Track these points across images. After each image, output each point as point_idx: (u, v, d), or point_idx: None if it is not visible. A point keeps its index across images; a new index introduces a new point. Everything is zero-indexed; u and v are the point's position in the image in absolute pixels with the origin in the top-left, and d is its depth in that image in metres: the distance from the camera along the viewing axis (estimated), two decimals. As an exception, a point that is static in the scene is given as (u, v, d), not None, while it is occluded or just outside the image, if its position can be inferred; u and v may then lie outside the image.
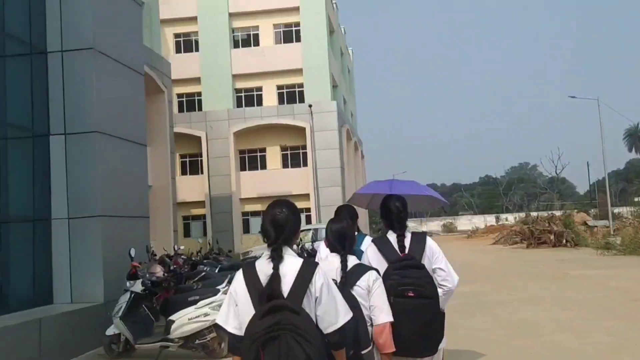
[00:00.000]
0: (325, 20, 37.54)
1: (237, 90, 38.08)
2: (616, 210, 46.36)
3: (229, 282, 8.01)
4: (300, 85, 37.63)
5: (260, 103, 37.78)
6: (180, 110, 37.75)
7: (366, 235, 5.44)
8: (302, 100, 37.00)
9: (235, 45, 38.26)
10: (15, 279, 8.53)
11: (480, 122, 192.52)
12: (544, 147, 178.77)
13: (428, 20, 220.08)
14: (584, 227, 35.36)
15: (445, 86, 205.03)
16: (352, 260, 3.49)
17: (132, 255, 8.02)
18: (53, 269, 8.93)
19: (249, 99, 38.17)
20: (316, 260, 4.16)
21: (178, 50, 38.54)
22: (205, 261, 12.26)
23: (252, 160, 36.94)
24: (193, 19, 37.73)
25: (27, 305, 8.45)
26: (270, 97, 37.94)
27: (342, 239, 3.53)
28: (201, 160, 36.05)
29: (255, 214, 35.52)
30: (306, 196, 34.77)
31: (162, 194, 21.64)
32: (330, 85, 37.64)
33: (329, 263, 3.45)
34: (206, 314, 7.41)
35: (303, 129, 35.33)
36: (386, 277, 3.57)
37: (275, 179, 35.12)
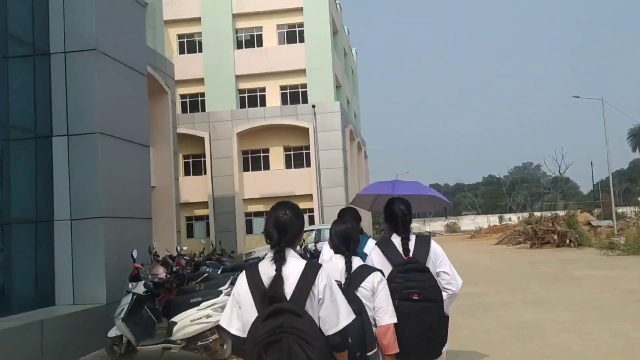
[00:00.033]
0: (328, 20, 37.53)
1: (241, 91, 38.10)
2: (620, 210, 46.23)
3: (232, 284, 8.00)
4: (304, 86, 37.62)
5: (263, 104, 37.78)
6: (184, 111, 37.80)
7: (369, 237, 5.42)
8: (305, 100, 37.00)
9: (239, 45, 38.28)
10: (17, 280, 8.53)
11: (484, 122, 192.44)
12: (548, 147, 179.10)
13: (431, 20, 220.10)
14: (587, 227, 35.29)
15: (448, 86, 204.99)
16: (356, 262, 3.48)
17: (134, 256, 8.01)
18: (55, 270, 8.92)
19: (253, 99, 38.17)
20: (319, 262, 4.16)
21: (182, 51, 38.60)
22: (207, 262, 12.23)
23: (255, 160, 36.95)
24: (196, 20, 37.78)
25: (29, 306, 8.45)
26: (273, 98, 37.93)
27: (347, 240, 3.52)
28: (204, 161, 36.09)
29: (258, 214, 35.55)
30: (309, 196, 34.77)
31: (165, 194, 21.67)
32: (334, 85, 37.62)
33: (333, 264, 3.45)
34: (208, 316, 7.39)
35: (306, 130, 35.32)
36: (391, 280, 3.56)
37: (278, 180, 35.13)
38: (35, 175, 8.89)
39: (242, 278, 2.79)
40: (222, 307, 7.34)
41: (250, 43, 38.48)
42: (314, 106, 35.17)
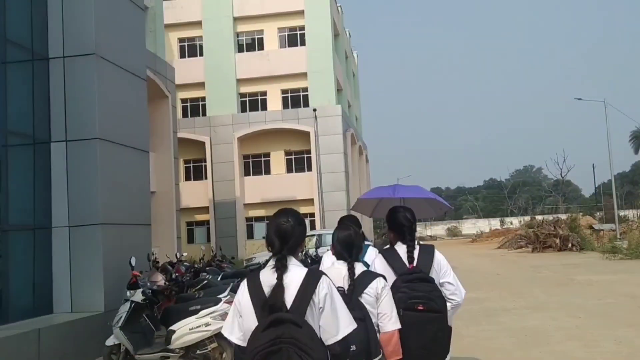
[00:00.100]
0: (330, 23, 37.49)
1: (242, 95, 38.04)
2: (622, 213, 46.09)
3: (232, 291, 7.93)
4: (305, 89, 37.55)
5: (264, 107, 37.71)
6: (185, 115, 37.74)
7: (369, 245, 5.36)
8: (306, 104, 36.94)
9: (240, 49, 38.25)
10: (15, 287, 8.45)
11: (485, 125, 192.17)
12: (549, 149, 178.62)
13: (432, 24, 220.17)
14: (589, 230, 35.20)
15: (449, 90, 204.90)
16: (359, 268, 3.48)
17: (133, 264, 7.93)
18: (53, 277, 8.85)
19: (254, 103, 38.12)
20: (320, 268, 4.10)
21: (182, 55, 38.57)
22: (207, 268, 12.13)
23: (256, 165, 36.86)
24: (197, 24, 37.75)
25: (27, 314, 8.38)
26: (274, 102, 37.87)
27: (349, 246, 3.52)
28: (205, 166, 36.01)
29: (259, 219, 35.46)
30: (310, 201, 34.68)
31: (165, 199, 21.61)
32: (335, 89, 37.56)
33: (336, 271, 3.45)
34: (207, 324, 7.30)
35: (307, 134, 35.25)
36: (396, 290, 3.56)
37: (279, 184, 35.04)
38: (34, 182, 8.82)
39: (244, 287, 2.77)
40: (222, 315, 7.27)
41: (251, 46, 38.44)
42: (315, 110, 35.09)
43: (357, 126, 48.86)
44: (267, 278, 2.70)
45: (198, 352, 7.39)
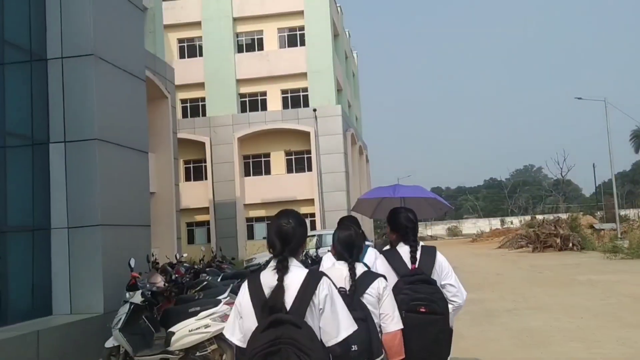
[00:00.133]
0: (329, 23, 37.46)
1: (242, 95, 38.01)
2: (623, 212, 46.05)
3: (231, 292, 7.89)
4: (305, 90, 37.52)
5: (264, 108, 37.67)
6: (184, 115, 37.72)
7: (369, 246, 5.33)
8: (306, 104, 36.91)
9: (240, 49, 38.21)
10: (13, 289, 8.38)
11: (484, 125, 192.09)
12: (549, 149, 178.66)
13: (432, 23, 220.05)
14: (590, 230, 35.15)
15: (449, 89, 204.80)
16: (360, 268, 3.48)
17: (132, 265, 7.87)
18: (52, 279, 8.78)
19: (253, 103, 38.09)
20: (320, 269, 4.08)
21: (182, 56, 38.55)
22: (207, 269, 12.09)
23: (256, 165, 36.82)
24: (197, 24, 37.71)
25: (26, 316, 8.32)
26: (274, 102, 37.84)
27: (350, 247, 3.52)
28: (205, 166, 35.97)
29: (259, 219, 35.43)
30: (311, 201, 34.64)
31: (165, 200, 21.58)
32: (335, 89, 37.52)
33: (337, 271, 3.44)
34: (207, 326, 7.26)
35: (307, 134, 35.21)
36: (398, 292, 3.58)
37: (279, 184, 35.00)
38: (32, 183, 8.76)
39: (244, 288, 2.77)
40: (221, 317, 7.24)
41: (250, 47, 38.40)
42: (315, 110, 35.07)
43: (357, 126, 48.83)
44: (268, 279, 2.69)
45: (198, 354, 7.34)
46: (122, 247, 9.10)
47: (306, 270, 2.76)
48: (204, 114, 37.38)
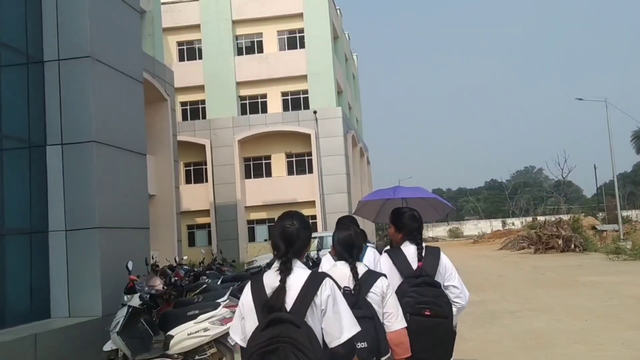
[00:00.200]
0: (329, 26, 37.41)
1: (242, 98, 37.94)
2: (624, 213, 45.92)
3: (231, 295, 7.82)
4: (305, 92, 37.46)
5: (264, 110, 37.62)
6: (184, 118, 37.67)
7: (368, 247, 5.28)
8: (306, 106, 36.84)
9: (239, 52, 38.15)
10: (11, 292, 8.32)
11: (485, 126, 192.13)
12: (550, 150, 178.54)
13: (432, 24, 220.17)
14: (592, 231, 35.03)
15: (449, 91, 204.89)
16: (361, 268, 3.49)
17: (130, 268, 7.80)
18: (50, 282, 8.71)
19: (254, 106, 38.03)
20: (319, 271, 4.04)
21: (181, 59, 38.50)
22: (208, 272, 12.02)
23: (257, 167, 36.77)
24: (196, 27, 37.66)
25: (24, 319, 8.25)
26: (274, 104, 37.79)
27: (350, 247, 3.52)
28: (205, 169, 35.93)
29: (260, 222, 35.37)
30: (312, 203, 34.58)
31: (165, 203, 21.53)
32: (335, 91, 37.46)
33: (339, 271, 3.44)
34: (206, 329, 7.19)
35: (308, 136, 35.16)
36: (402, 294, 3.58)
37: (280, 187, 34.95)
38: (29, 185, 8.70)
39: (247, 288, 2.78)
40: (220, 320, 7.17)
41: (250, 49, 38.35)
42: (315, 112, 35.02)
43: (357, 128, 48.77)
44: (271, 280, 2.70)
45: (197, 357, 7.27)
46: (120, 250, 9.04)
47: (309, 272, 2.75)
48: (204, 117, 37.31)
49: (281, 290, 2.63)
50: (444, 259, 3.88)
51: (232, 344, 2.99)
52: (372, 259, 4.99)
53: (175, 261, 11.37)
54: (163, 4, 26.45)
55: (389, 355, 3.32)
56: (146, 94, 11.15)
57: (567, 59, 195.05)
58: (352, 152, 39.37)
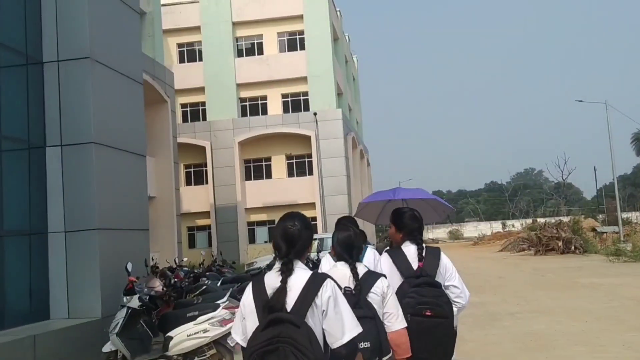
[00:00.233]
0: (329, 27, 37.42)
1: (242, 100, 37.95)
2: (624, 215, 45.91)
3: (231, 296, 7.80)
4: (305, 94, 37.47)
5: (265, 112, 37.63)
6: (185, 120, 37.67)
7: (368, 247, 5.27)
8: (307, 108, 36.85)
9: (239, 54, 38.17)
10: (10, 294, 8.30)
11: (485, 128, 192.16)
12: (550, 152, 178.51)
13: (432, 26, 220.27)
14: (592, 233, 35.02)
15: (450, 93, 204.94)
16: (361, 268, 3.49)
17: (129, 269, 7.79)
18: (50, 283, 8.70)
19: (254, 108, 38.04)
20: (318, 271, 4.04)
21: (182, 60, 38.51)
22: (208, 274, 12.00)
23: (257, 169, 36.77)
24: (196, 29, 37.68)
25: (23, 320, 8.23)
26: (275, 106, 37.79)
27: (350, 247, 3.52)
28: (206, 170, 35.93)
29: (260, 223, 35.37)
30: (312, 205, 34.56)
31: (165, 204, 21.51)
32: (335, 93, 37.46)
33: (339, 272, 3.43)
34: (205, 330, 7.17)
35: (308, 138, 35.17)
36: (403, 295, 3.59)
37: (280, 188, 34.95)
38: (29, 187, 8.68)
39: (249, 289, 2.79)
40: (220, 322, 7.16)
41: (250, 51, 38.36)
42: (315, 114, 35.03)
43: (358, 130, 48.78)
44: (272, 281, 2.71)
45: (196, 358, 7.26)
46: (119, 251, 9.02)
47: (310, 272, 2.75)
48: (204, 119, 37.33)
49: (282, 290, 2.63)
50: (444, 259, 3.88)
51: (232, 345, 3.00)
52: (372, 259, 4.98)
53: (175, 263, 11.35)
54: (163, 5, 26.44)
55: (390, 355, 3.33)
56: (146, 95, 11.14)
57: (567, 59, 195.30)
58: (352, 153, 39.37)
